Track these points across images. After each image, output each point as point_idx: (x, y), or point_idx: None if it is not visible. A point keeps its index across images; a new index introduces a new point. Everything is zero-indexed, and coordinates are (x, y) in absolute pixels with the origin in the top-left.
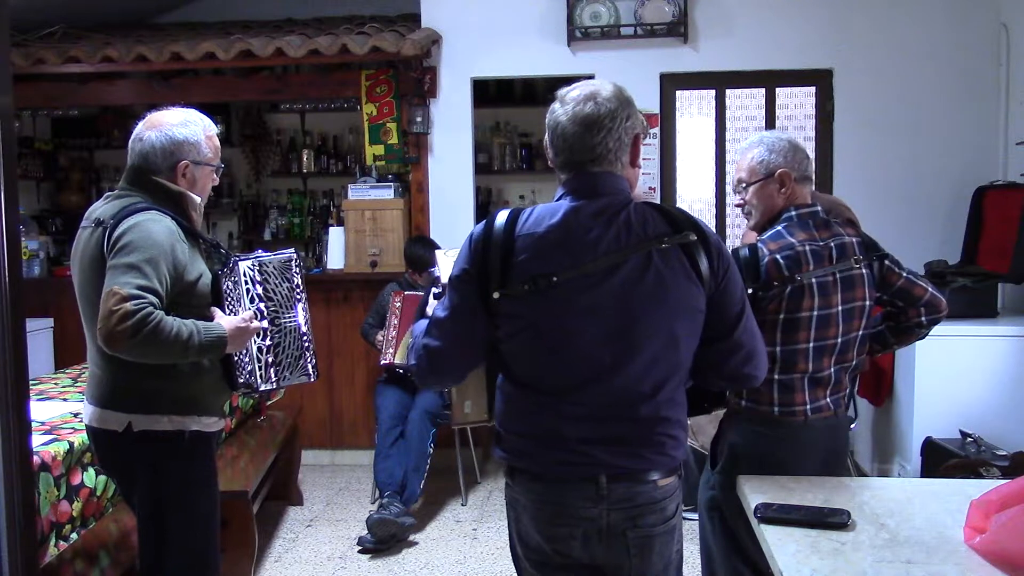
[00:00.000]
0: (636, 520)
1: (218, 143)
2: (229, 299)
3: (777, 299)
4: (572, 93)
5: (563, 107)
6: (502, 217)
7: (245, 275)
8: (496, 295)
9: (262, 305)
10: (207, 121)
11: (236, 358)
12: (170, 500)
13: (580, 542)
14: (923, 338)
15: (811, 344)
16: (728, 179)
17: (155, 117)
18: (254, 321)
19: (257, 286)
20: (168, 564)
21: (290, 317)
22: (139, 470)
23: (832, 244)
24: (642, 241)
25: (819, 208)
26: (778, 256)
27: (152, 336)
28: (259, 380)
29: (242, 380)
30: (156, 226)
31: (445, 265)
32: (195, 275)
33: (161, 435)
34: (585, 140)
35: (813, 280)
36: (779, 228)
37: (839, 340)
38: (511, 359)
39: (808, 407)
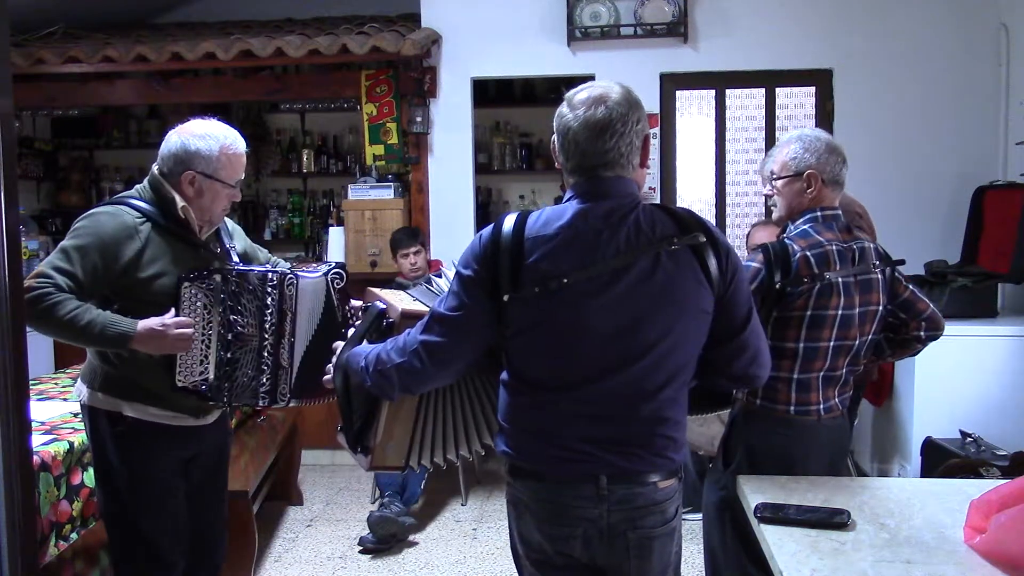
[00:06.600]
0: (636, 521)
1: (240, 162)
2: (190, 305)
3: (805, 295)
4: (580, 96)
5: (572, 111)
6: (510, 221)
7: (213, 286)
8: (506, 298)
9: (222, 316)
10: (232, 139)
11: (179, 358)
12: (103, 480)
13: (581, 542)
14: (918, 353)
15: (832, 343)
16: (728, 179)
17: (188, 124)
18: (178, 329)
19: (225, 297)
20: (112, 548)
21: (253, 334)
22: (90, 444)
23: (855, 247)
24: (651, 243)
25: (841, 213)
26: (809, 253)
27: (45, 315)
28: (211, 391)
29: (182, 383)
30: (108, 219)
31: (391, 297)
32: (149, 273)
33: (102, 413)
34: (597, 145)
35: (839, 280)
36: (806, 227)
37: (856, 342)
38: (517, 356)
39: (821, 406)
